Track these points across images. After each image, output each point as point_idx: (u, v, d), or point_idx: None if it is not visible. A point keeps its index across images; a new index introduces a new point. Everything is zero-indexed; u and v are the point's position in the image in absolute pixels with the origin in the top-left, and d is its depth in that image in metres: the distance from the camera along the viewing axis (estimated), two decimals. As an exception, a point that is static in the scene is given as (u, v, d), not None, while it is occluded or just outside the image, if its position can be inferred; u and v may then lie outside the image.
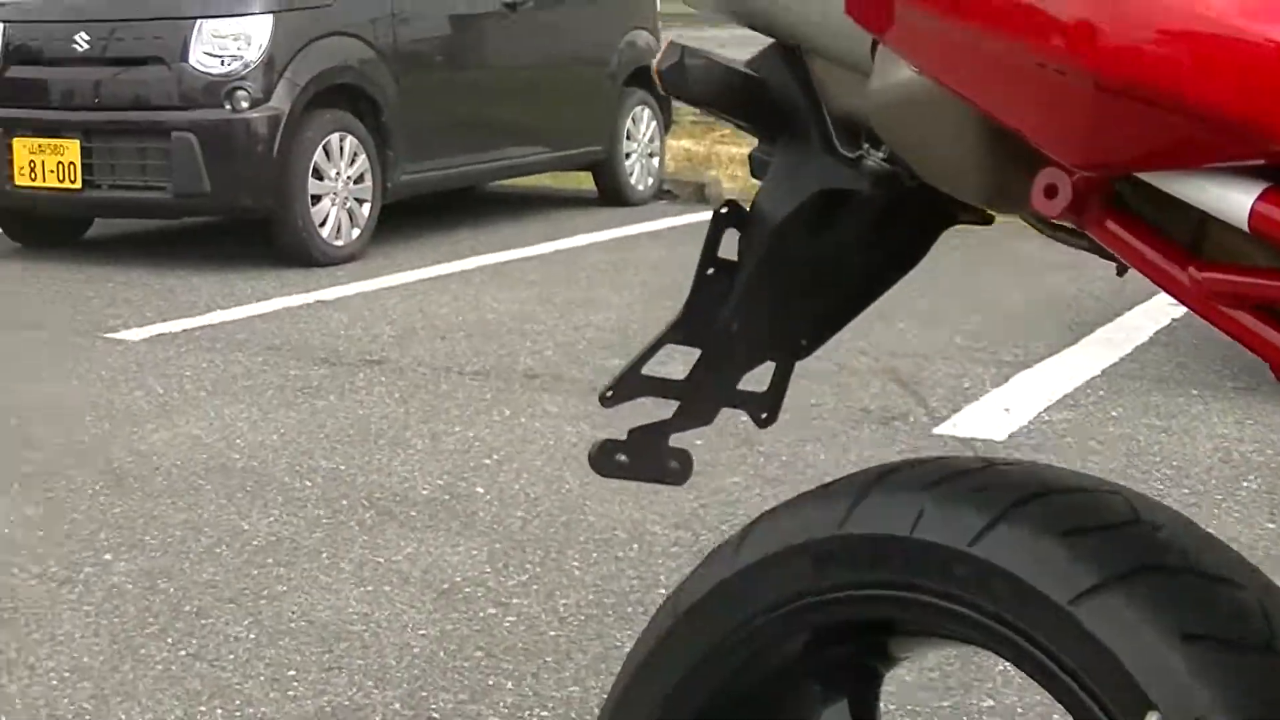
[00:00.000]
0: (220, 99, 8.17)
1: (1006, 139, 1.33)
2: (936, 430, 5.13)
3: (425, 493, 4.53)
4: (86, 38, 8.40)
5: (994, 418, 5.27)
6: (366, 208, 8.74)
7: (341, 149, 8.56)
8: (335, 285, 7.83)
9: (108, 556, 4.04)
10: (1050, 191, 1.25)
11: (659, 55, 1.89)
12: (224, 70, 8.19)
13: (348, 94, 8.69)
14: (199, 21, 8.25)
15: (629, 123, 10.87)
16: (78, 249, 9.08)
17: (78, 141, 8.36)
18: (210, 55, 8.21)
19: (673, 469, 1.79)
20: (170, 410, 5.48)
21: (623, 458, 1.75)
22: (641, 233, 9.65)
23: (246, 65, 8.19)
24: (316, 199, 8.41)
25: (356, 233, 8.67)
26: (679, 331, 1.73)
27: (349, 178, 8.58)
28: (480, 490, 4.55)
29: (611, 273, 8.23)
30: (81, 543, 4.14)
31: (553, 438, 5.09)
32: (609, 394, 1.76)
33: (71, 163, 8.37)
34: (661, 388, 1.76)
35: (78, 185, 8.38)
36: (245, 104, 8.17)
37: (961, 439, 5.01)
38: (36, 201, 8.67)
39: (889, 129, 1.61)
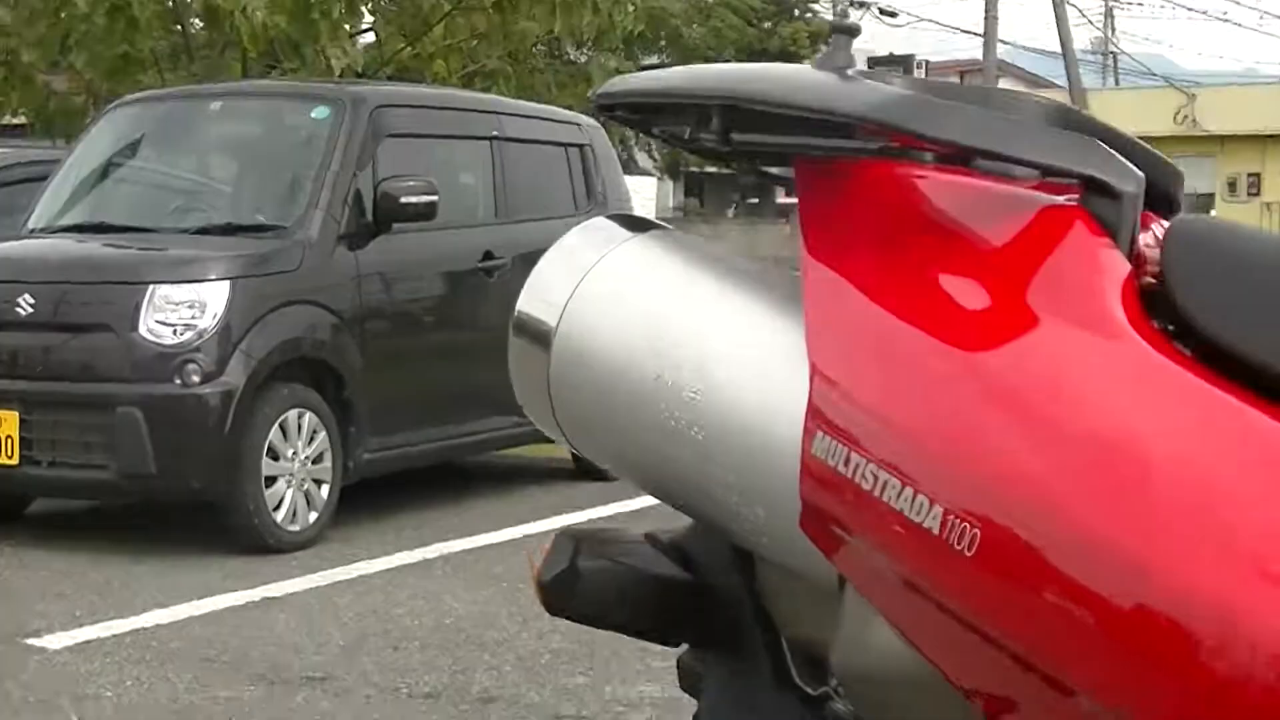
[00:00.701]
0: (170, 372, 7.59)
1: None
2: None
3: None
4: (32, 300, 7.82)
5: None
6: (325, 489, 8.10)
7: (300, 426, 7.95)
8: (285, 578, 7.19)
9: None
10: None
11: (542, 557, 1.66)
12: (176, 341, 7.61)
13: (308, 366, 8.13)
14: (151, 287, 7.69)
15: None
16: (19, 526, 8.43)
17: (16, 414, 7.75)
18: (162, 324, 7.64)
19: None
20: (79, 748, 4.83)
21: None
22: (619, 513, 9.02)
23: (200, 335, 7.62)
24: (271, 480, 7.79)
25: (314, 516, 8.02)
26: None
27: (307, 458, 7.97)
28: None
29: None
30: None
31: (511, 797, 4.44)
32: None
33: (9, 436, 7.74)
34: None
35: (14, 461, 7.74)
36: (196, 378, 7.58)
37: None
38: (-30, 477, 8.05)
39: (861, 700, 1.62)
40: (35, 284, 7.89)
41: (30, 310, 7.83)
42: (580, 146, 10.28)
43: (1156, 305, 1.74)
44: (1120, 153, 1.85)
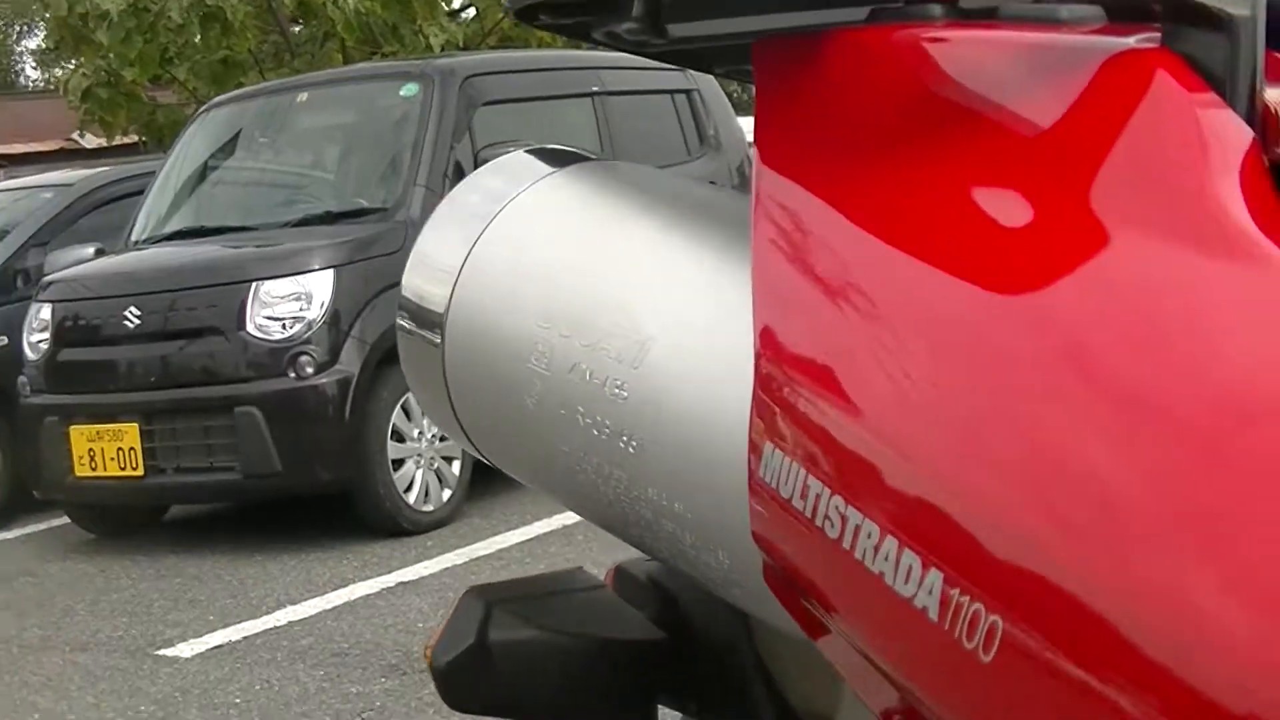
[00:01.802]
0: (284, 366, 7.46)
1: None
2: None
3: None
4: (137, 312, 7.74)
5: None
6: (456, 465, 7.93)
7: (422, 406, 7.80)
8: (421, 560, 7.05)
9: None
10: None
11: (436, 632, 1.34)
12: (285, 335, 7.49)
13: (424, 345, 7.96)
14: (254, 284, 7.57)
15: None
16: (155, 534, 8.37)
17: (136, 425, 7.67)
18: (270, 319, 7.52)
19: None
20: (207, 756, 4.70)
21: None
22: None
23: (309, 326, 7.49)
24: (399, 463, 7.65)
25: (447, 494, 7.87)
26: None
27: (434, 436, 7.80)
28: None
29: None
30: None
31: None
32: None
33: (132, 448, 7.68)
34: None
35: (140, 473, 7.68)
36: (311, 369, 7.45)
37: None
38: (99, 493, 7.99)
39: None
40: (139, 295, 7.80)
41: (138, 321, 7.74)
42: (687, 92, 10.02)
43: None
44: None
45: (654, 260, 1.43)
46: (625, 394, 1.34)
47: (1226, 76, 1.03)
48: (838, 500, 1.08)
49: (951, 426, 1.02)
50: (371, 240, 7.92)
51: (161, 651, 6.00)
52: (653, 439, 1.31)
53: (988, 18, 1.24)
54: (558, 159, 1.63)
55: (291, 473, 7.51)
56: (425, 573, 6.83)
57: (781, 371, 1.18)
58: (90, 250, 8.89)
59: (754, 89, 1.40)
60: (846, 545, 1.06)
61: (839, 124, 1.30)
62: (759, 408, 1.19)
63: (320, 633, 6.02)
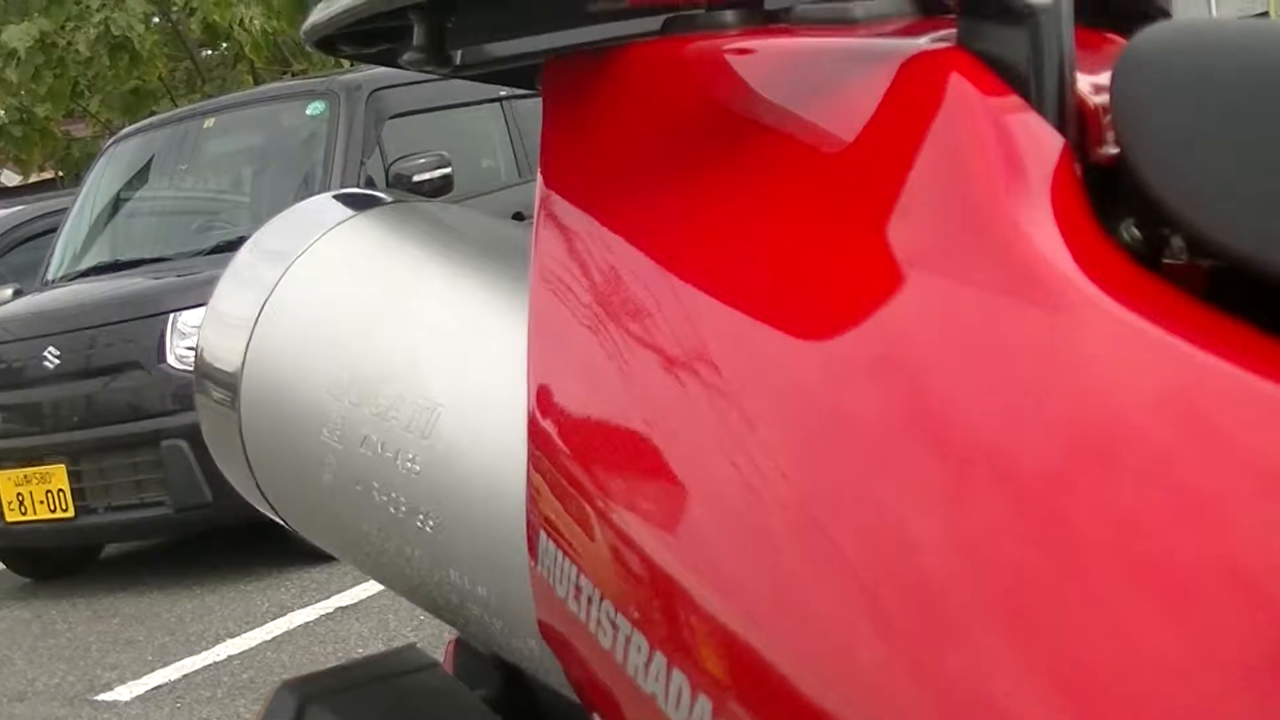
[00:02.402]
0: (208, 396, 7.37)
1: None
2: None
3: None
4: (57, 352, 7.64)
5: None
6: (390, 485, 7.86)
7: (351, 427, 7.73)
8: (358, 583, 6.97)
9: None
10: None
11: None
12: (207, 364, 7.40)
13: (350, 364, 7.90)
14: (172, 315, 7.47)
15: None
16: (92, 573, 8.26)
17: (64, 466, 7.57)
18: (190, 350, 7.40)
19: None
20: (147, 801, 4.63)
21: None
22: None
23: (231, 354, 7.40)
24: (331, 486, 7.57)
25: (382, 514, 7.81)
26: None
27: (364, 456, 7.72)
28: None
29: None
30: None
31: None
32: None
33: (60, 489, 7.58)
34: None
35: (71, 513, 7.58)
36: (235, 397, 7.37)
37: None
38: (31, 536, 7.89)
39: None
40: (57, 335, 7.70)
41: (59, 361, 7.64)
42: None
43: (1122, 199, 0.86)
44: None
45: (443, 314, 1.30)
46: (418, 468, 1.22)
47: (1031, 74, 0.88)
48: (608, 605, 0.94)
49: (737, 519, 0.84)
50: (288, 263, 7.83)
51: (100, 696, 5.91)
52: (450, 517, 1.19)
53: (782, 22, 1.13)
54: (356, 203, 1.51)
55: (223, 503, 7.39)
56: (364, 595, 6.77)
57: (554, 444, 1.02)
58: (9, 291, 8.80)
59: (543, 109, 1.29)
60: (619, 659, 0.92)
61: (628, 146, 1.16)
62: (532, 487, 1.05)
63: (260, 665, 5.95)
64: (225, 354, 1.46)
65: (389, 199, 1.53)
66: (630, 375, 1.00)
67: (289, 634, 6.34)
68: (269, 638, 6.34)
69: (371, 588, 6.84)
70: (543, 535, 1.01)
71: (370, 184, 8.22)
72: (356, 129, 8.32)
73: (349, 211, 1.48)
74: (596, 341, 1.05)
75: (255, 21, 13.00)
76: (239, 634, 6.47)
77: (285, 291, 1.41)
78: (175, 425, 7.36)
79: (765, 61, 1.07)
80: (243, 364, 1.42)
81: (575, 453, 1.00)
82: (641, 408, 0.97)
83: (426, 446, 1.20)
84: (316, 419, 1.32)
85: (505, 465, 1.12)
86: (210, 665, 6.08)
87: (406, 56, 1.33)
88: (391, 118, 8.54)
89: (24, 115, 14.93)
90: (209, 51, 15.68)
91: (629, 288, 1.05)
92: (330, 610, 6.60)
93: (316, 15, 1.40)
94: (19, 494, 7.69)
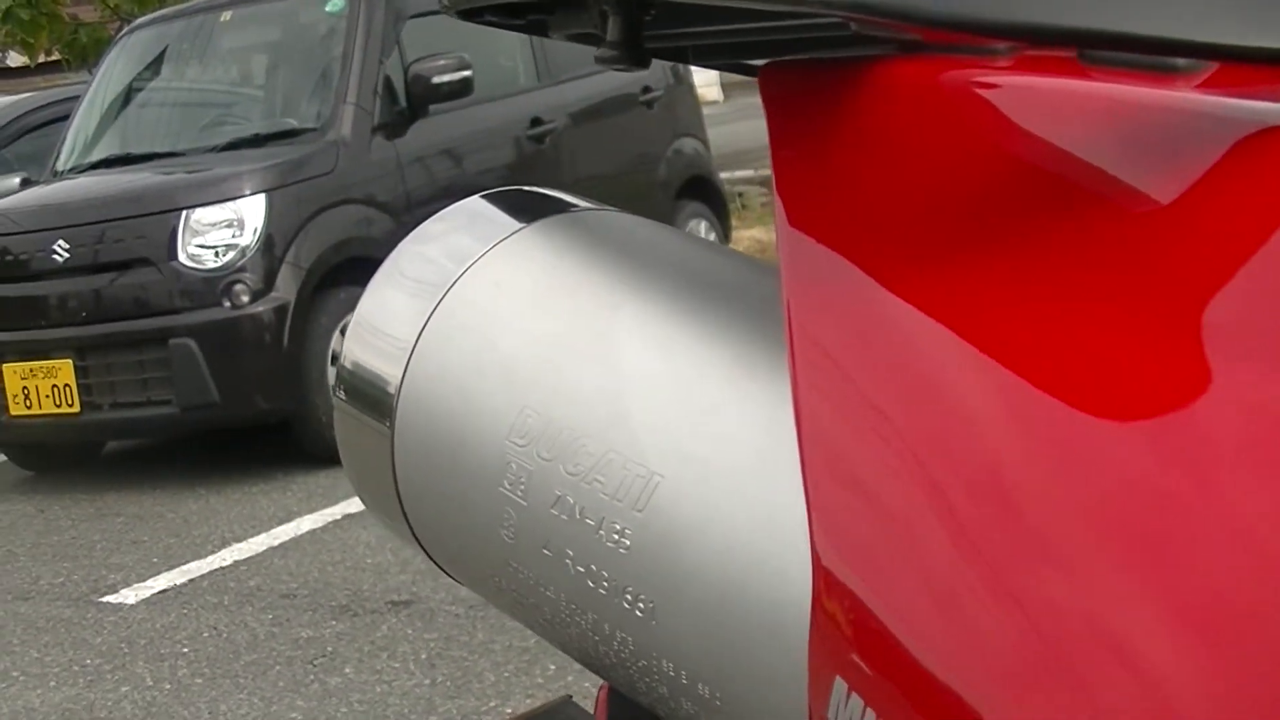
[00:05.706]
0: (218, 295, 7.28)
1: None
2: None
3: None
4: (66, 245, 7.53)
5: None
6: (399, 389, 7.77)
7: (361, 330, 7.63)
8: (366, 491, 6.90)
9: None
10: None
11: None
12: (218, 263, 7.30)
13: (362, 266, 7.78)
14: (185, 212, 7.37)
15: (684, 239, 9.88)
16: (94, 470, 8.19)
17: (70, 361, 7.49)
18: (202, 248, 7.33)
19: None
20: (156, 714, 4.56)
21: None
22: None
23: (243, 253, 7.31)
24: (340, 390, 7.48)
25: (390, 420, 7.72)
26: None
27: (374, 360, 7.62)
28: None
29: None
30: None
31: None
32: None
33: (66, 385, 7.50)
34: None
35: (76, 409, 7.50)
36: (246, 298, 7.28)
37: None
38: (35, 431, 7.81)
39: None
40: (67, 228, 7.59)
41: (67, 255, 7.54)
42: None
43: None
44: None
45: (654, 364, 1.08)
46: (627, 542, 1.04)
47: None
48: None
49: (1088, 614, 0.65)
50: (303, 162, 7.73)
51: (105, 599, 5.85)
52: (668, 603, 1.01)
53: (1074, 60, 0.85)
54: (533, 205, 1.29)
55: (230, 403, 7.35)
56: (372, 503, 6.69)
57: (848, 573, 0.80)
58: (16, 181, 8.68)
59: (767, 121, 1.04)
60: None
61: (883, 184, 0.93)
62: (819, 625, 0.82)
63: (267, 572, 5.89)
64: (380, 368, 1.26)
65: (572, 202, 1.31)
66: (950, 519, 0.75)
67: (295, 541, 6.28)
68: (275, 544, 6.27)
69: (380, 496, 6.76)
70: (838, 682, 0.79)
71: (388, 85, 8.09)
72: (375, 27, 8.18)
73: (526, 215, 1.27)
74: (891, 452, 0.81)
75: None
76: (245, 539, 6.40)
77: (454, 305, 1.21)
78: (184, 324, 7.29)
79: (1079, 108, 0.83)
80: (402, 382, 1.22)
81: (878, 605, 0.77)
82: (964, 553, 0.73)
83: (640, 521, 1.03)
84: (495, 468, 1.13)
85: (745, 560, 0.95)
86: (216, 570, 6.01)
87: (601, 53, 1.15)
88: (411, 17, 8.38)
89: (31, -2, 14.73)
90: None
91: (935, 384, 0.82)
92: (338, 517, 6.52)
93: None
94: (24, 387, 7.60)
